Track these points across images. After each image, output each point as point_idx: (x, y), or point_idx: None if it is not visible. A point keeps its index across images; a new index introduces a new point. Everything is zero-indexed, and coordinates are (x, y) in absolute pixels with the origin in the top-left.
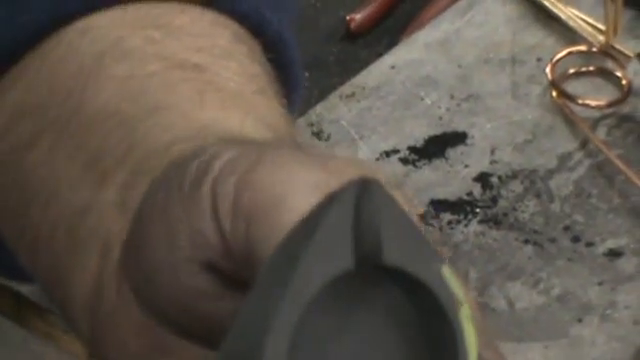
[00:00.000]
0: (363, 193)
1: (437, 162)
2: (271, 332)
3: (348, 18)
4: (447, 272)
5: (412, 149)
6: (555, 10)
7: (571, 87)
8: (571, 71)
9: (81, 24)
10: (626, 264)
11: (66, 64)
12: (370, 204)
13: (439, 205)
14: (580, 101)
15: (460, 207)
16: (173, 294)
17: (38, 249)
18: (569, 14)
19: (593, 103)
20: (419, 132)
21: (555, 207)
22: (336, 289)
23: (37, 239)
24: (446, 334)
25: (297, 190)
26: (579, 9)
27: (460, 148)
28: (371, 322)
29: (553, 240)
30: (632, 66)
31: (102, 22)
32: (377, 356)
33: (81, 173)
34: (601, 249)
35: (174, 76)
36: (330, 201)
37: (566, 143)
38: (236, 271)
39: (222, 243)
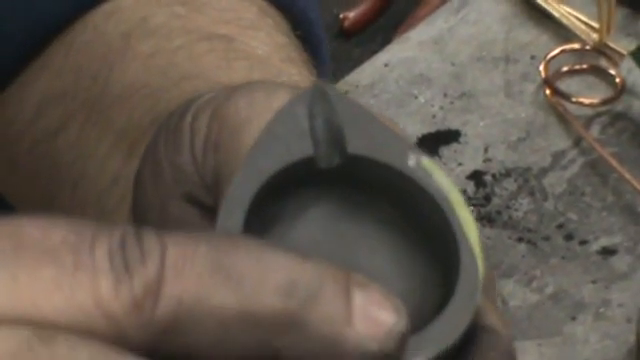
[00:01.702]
0: (316, 92)
1: None
2: (225, 205)
3: (341, 16)
4: (428, 163)
5: None
6: (548, 8)
7: (565, 85)
8: (564, 69)
9: (106, 7)
10: (620, 262)
11: (92, 48)
12: (324, 100)
13: None
14: (574, 99)
15: None
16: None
17: None
18: (562, 12)
19: (587, 101)
20: (412, 130)
21: (549, 205)
22: (303, 180)
23: None
24: (438, 222)
25: (261, 114)
26: (572, 7)
27: (453, 146)
28: (342, 214)
29: (547, 238)
30: (625, 64)
31: (127, 3)
32: (342, 242)
33: (110, 150)
34: (595, 247)
35: (201, 47)
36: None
37: (560, 141)
38: (216, 203)
39: (198, 175)
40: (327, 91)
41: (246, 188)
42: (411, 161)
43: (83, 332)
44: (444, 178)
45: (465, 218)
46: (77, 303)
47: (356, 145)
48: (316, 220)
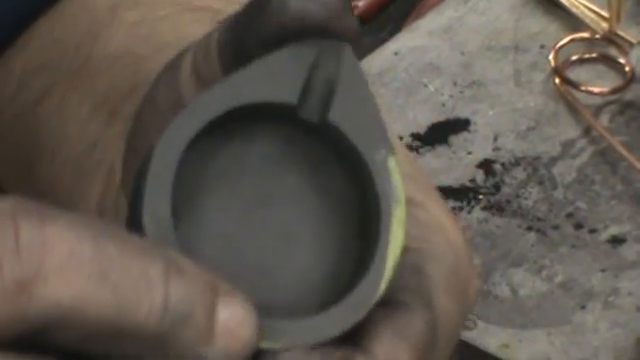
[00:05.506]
0: (329, 45)
1: (440, 149)
2: (162, 138)
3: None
4: (393, 164)
5: (415, 136)
6: None
7: (574, 74)
8: (574, 58)
9: None
10: (629, 250)
11: (79, 20)
12: (332, 58)
13: (442, 192)
14: (583, 88)
15: (463, 194)
16: None
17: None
18: (572, 1)
19: (596, 90)
20: (422, 119)
21: (558, 194)
22: (277, 128)
23: (42, 192)
24: (374, 227)
25: None
26: None
27: (463, 135)
28: (295, 175)
29: (556, 227)
30: (635, 53)
31: None
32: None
33: (90, 114)
34: (604, 236)
35: (186, 18)
36: (294, 43)
37: (569, 130)
38: None
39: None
40: (340, 49)
41: (199, 116)
42: (379, 155)
43: None
44: (400, 188)
45: (395, 233)
46: None
47: (339, 113)
48: (255, 164)
